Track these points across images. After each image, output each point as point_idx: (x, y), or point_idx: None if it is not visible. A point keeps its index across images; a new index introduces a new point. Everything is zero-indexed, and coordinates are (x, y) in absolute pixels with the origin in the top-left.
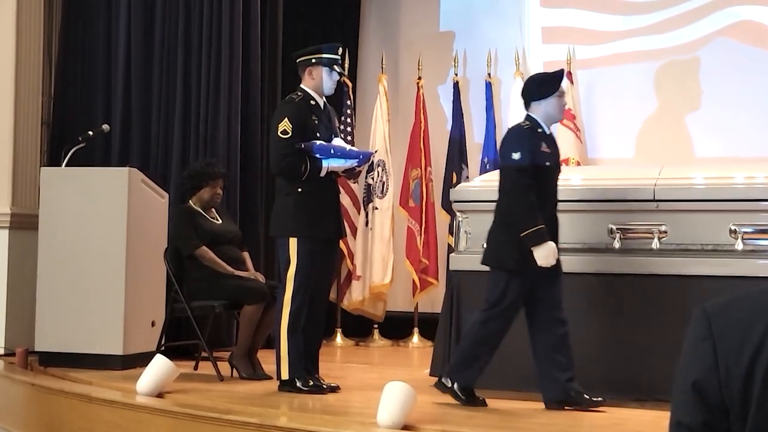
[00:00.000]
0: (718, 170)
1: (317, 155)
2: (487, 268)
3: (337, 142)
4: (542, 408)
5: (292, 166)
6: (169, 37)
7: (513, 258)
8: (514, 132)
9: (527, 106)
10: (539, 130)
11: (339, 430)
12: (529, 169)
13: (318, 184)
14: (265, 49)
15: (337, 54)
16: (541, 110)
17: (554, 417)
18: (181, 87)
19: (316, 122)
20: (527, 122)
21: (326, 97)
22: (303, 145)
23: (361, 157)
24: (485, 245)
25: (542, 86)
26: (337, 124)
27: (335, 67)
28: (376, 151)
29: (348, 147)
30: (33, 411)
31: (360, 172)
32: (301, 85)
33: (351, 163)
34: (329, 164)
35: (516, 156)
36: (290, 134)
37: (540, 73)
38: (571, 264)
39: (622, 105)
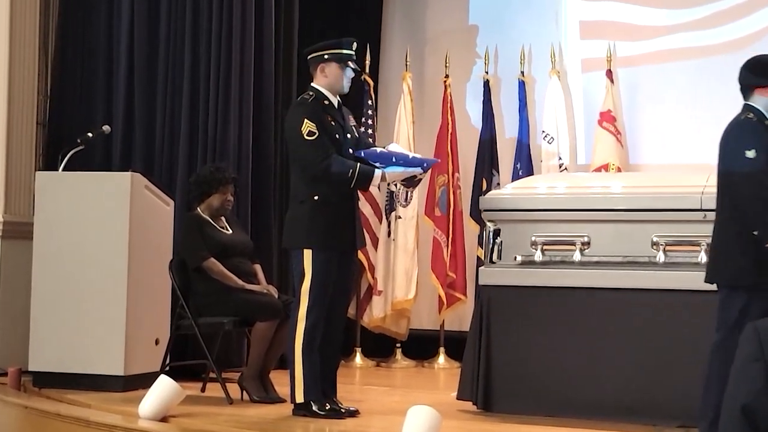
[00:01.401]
0: None
1: (377, 164)
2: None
3: (395, 147)
4: None
5: (336, 167)
6: (176, 32)
7: (751, 273)
8: (743, 126)
9: (747, 94)
10: (767, 123)
11: None
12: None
13: (335, 190)
14: (280, 46)
15: (351, 49)
16: (766, 99)
17: None
18: (188, 86)
19: (333, 123)
20: (750, 113)
21: (345, 96)
22: (363, 153)
23: (425, 165)
24: (709, 260)
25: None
26: (352, 123)
27: (350, 63)
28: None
29: (411, 154)
30: None
31: (421, 179)
32: (313, 84)
33: (413, 171)
34: (386, 171)
35: (750, 154)
36: (318, 133)
37: (763, 56)
38: (610, 279)
39: (666, 106)
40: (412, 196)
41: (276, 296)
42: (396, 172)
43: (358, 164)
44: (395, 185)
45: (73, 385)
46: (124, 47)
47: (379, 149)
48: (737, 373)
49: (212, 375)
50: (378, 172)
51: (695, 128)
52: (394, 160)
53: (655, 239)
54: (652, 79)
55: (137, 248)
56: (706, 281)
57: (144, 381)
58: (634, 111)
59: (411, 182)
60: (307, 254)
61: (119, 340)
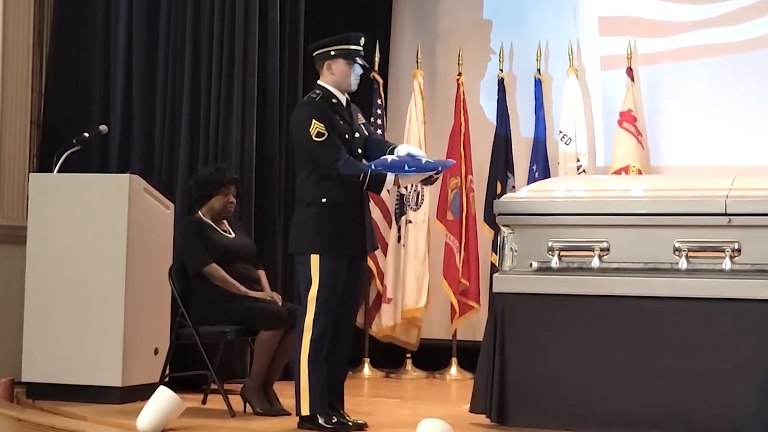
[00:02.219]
0: None
1: (390, 173)
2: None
3: (405, 148)
4: None
5: (348, 168)
6: (176, 27)
7: None
8: None
9: None
10: None
11: None
12: None
13: (343, 192)
14: (285, 42)
15: (359, 44)
16: None
17: None
18: (188, 83)
19: (341, 123)
20: None
21: (353, 95)
22: (374, 165)
23: (440, 168)
24: None
25: None
26: (361, 122)
27: (357, 59)
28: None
29: (424, 159)
30: None
31: (437, 179)
32: (319, 82)
33: (428, 174)
34: (399, 175)
35: None
36: (327, 134)
37: None
38: (630, 286)
39: (689, 105)
40: (423, 199)
41: (281, 304)
42: (409, 176)
43: (371, 166)
44: (406, 188)
45: (68, 396)
46: (122, 43)
47: (390, 158)
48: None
49: (214, 386)
50: (391, 176)
51: (719, 129)
52: (406, 168)
53: (677, 245)
54: (675, 77)
55: (136, 253)
56: None
57: (142, 392)
58: (656, 111)
59: (427, 181)
60: (314, 259)
61: (116, 350)
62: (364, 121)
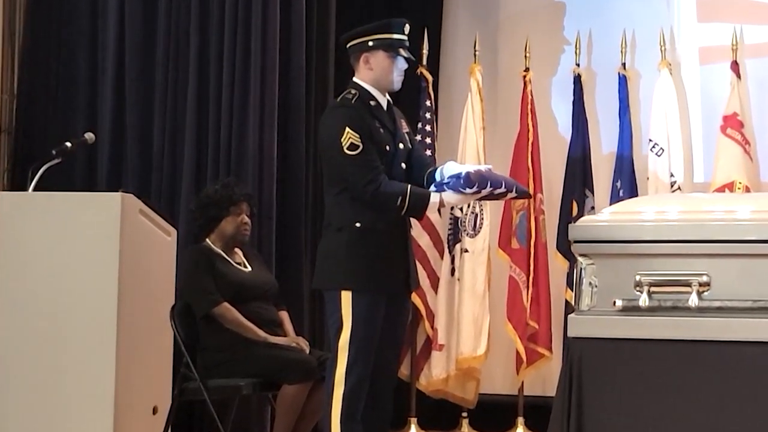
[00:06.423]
0: None
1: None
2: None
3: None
4: None
5: (385, 188)
6: (179, 14)
7: None
8: None
9: None
10: None
11: None
12: None
13: (382, 215)
14: (312, 32)
15: (402, 33)
16: None
17: None
18: (194, 83)
19: (382, 131)
20: None
21: (396, 95)
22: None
23: (517, 188)
24: None
25: None
26: (405, 130)
27: (401, 50)
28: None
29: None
30: None
31: (508, 195)
32: (355, 79)
33: (478, 192)
34: (447, 198)
35: None
36: (362, 146)
37: None
38: (735, 329)
39: None
40: (482, 223)
41: (308, 352)
42: (454, 198)
43: (409, 187)
44: (461, 209)
45: None
46: (113, 33)
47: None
48: None
49: None
50: (435, 198)
51: None
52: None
53: None
54: None
55: (130, 290)
56: None
57: None
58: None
59: (498, 196)
60: (345, 297)
61: (106, 409)
62: (408, 129)
